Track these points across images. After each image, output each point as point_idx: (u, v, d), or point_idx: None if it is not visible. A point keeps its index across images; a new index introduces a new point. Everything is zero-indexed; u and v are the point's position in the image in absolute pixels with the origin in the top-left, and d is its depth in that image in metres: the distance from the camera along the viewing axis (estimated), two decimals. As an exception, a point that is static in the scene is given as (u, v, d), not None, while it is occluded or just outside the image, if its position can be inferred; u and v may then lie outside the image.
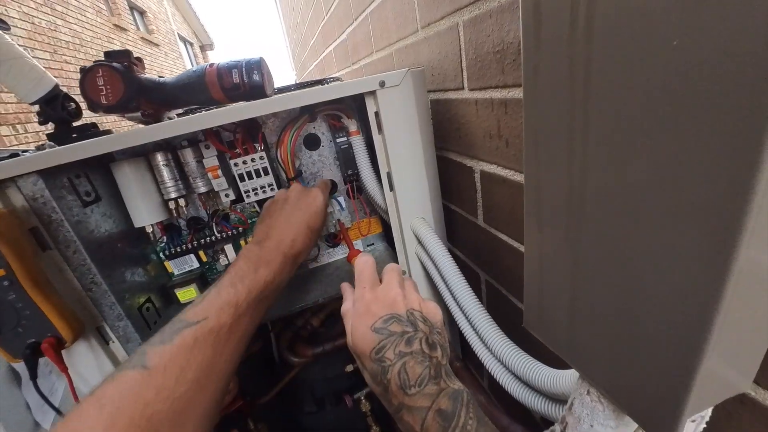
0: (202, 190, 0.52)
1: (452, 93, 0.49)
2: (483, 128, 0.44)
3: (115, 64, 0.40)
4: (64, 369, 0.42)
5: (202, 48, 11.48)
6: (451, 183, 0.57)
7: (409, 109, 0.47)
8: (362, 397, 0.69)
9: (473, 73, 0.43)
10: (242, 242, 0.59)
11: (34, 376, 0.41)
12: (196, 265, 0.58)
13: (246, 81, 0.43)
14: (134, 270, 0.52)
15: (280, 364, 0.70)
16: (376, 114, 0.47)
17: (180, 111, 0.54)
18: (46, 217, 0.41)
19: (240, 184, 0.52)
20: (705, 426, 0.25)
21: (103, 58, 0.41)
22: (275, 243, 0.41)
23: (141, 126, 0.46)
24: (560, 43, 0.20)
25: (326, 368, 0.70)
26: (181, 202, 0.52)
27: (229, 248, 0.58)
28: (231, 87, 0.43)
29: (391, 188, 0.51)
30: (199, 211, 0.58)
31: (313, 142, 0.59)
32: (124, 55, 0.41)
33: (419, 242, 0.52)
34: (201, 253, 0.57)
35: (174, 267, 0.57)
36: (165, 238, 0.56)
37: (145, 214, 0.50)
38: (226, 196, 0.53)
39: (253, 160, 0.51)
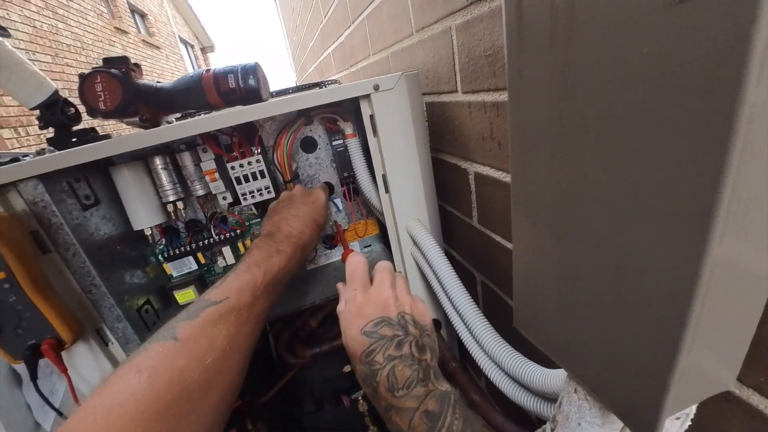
0: (200, 193, 0.53)
1: (446, 96, 0.50)
2: (476, 130, 0.44)
3: (113, 70, 0.41)
4: (64, 370, 0.42)
5: (203, 50, 11.52)
6: (446, 184, 0.57)
7: (404, 111, 0.47)
8: (360, 398, 0.69)
9: (466, 76, 0.43)
10: (240, 244, 0.59)
11: (34, 377, 0.41)
12: (194, 267, 0.58)
13: (242, 86, 0.44)
14: (133, 272, 0.52)
15: (279, 364, 0.71)
16: (371, 117, 0.47)
17: (178, 115, 0.55)
18: (46, 220, 0.41)
19: (237, 187, 0.52)
20: (690, 423, 0.25)
21: (101, 64, 0.41)
22: (285, 234, 0.43)
23: (139, 130, 0.46)
24: (542, 49, 0.20)
25: (324, 368, 0.71)
26: (180, 205, 0.52)
27: (227, 250, 0.59)
28: (227, 92, 0.44)
29: (387, 190, 0.51)
30: (198, 214, 0.58)
31: (309, 145, 0.59)
32: (122, 61, 0.42)
33: (415, 244, 0.53)
34: (199, 255, 0.58)
35: (173, 269, 0.58)
36: (164, 240, 0.56)
37: (144, 217, 0.51)
38: (224, 198, 0.54)
39: (249, 163, 0.51)
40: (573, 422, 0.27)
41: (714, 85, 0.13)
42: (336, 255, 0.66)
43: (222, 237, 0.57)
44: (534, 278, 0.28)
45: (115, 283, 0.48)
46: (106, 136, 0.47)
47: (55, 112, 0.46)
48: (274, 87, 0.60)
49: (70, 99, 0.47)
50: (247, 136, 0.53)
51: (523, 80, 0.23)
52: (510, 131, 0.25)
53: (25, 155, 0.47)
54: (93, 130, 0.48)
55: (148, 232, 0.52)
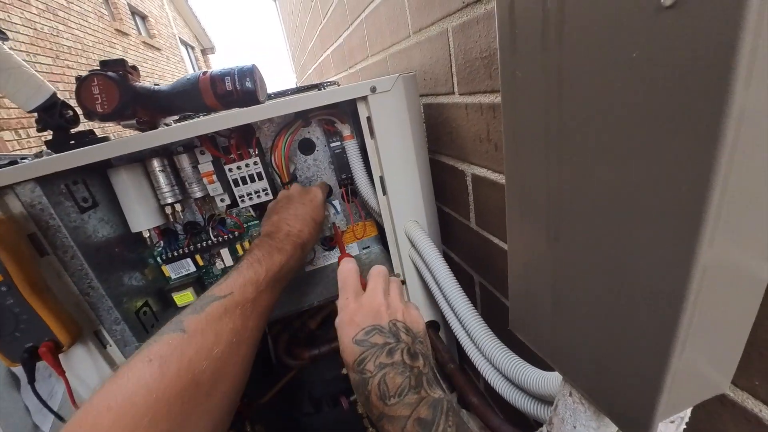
0: (198, 195, 0.53)
1: (443, 97, 0.50)
2: (473, 132, 0.44)
3: (110, 72, 0.41)
4: (62, 373, 0.42)
5: (204, 51, 11.54)
6: (444, 186, 0.57)
7: (401, 113, 0.47)
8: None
9: (463, 78, 0.43)
10: (238, 246, 0.59)
11: (32, 380, 0.41)
12: (192, 269, 0.59)
13: (239, 88, 0.44)
14: (131, 274, 0.52)
15: (278, 366, 0.71)
16: (368, 119, 0.47)
17: (176, 118, 0.55)
18: (43, 223, 0.41)
19: (235, 189, 0.52)
20: (685, 427, 0.25)
21: (98, 67, 0.42)
22: (285, 233, 0.44)
23: (137, 133, 0.46)
24: (534, 51, 0.20)
25: (323, 370, 0.71)
26: (178, 207, 0.52)
27: (225, 252, 0.59)
28: (224, 94, 0.44)
29: (384, 192, 0.51)
30: (196, 216, 0.58)
31: (307, 147, 0.59)
32: (119, 63, 0.42)
33: (413, 246, 0.53)
34: (198, 257, 0.58)
35: (171, 271, 0.58)
36: (162, 242, 0.56)
37: (142, 219, 0.51)
38: (222, 200, 0.54)
39: (247, 165, 0.51)
40: (568, 425, 0.27)
41: (703, 89, 0.13)
42: (334, 257, 0.66)
43: (220, 239, 0.57)
44: (529, 280, 0.28)
45: (113, 285, 0.48)
46: (105, 139, 0.47)
47: (53, 115, 0.46)
48: (274, 88, 0.60)
49: (69, 101, 0.48)
50: (244, 138, 0.53)
51: (517, 82, 0.23)
52: (504, 133, 0.25)
53: (24, 157, 0.47)
54: (91, 132, 0.48)
55: (146, 235, 0.52)
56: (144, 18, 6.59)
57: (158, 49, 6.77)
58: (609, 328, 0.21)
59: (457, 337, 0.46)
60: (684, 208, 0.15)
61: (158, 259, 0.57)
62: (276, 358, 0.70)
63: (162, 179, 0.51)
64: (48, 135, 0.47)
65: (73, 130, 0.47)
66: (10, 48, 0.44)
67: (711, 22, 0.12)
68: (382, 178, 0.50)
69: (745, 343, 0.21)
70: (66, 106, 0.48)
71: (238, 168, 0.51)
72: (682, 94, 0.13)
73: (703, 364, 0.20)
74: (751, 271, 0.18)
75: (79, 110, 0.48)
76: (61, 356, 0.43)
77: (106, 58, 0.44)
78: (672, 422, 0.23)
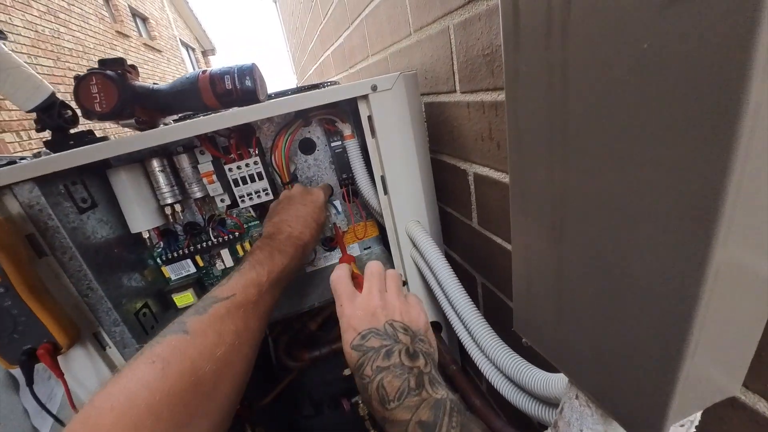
0: (198, 195, 0.53)
1: (445, 96, 0.49)
2: (475, 131, 0.44)
3: (108, 72, 0.40)
4: (60, 375, 0.42)
5: (204, 53, 11.57)
6: (446, 185, 0.57)
7: (402, 112, 0.47)
8: (360, 401, 0.68)
9: (464, 76, 0.43)
10: (238, 247, 0.59)
11: (30, 382, 0.41)
12: (192, 270, 0.58)
13: (238, 87, 0.43)
14: (131, 275, 0.52)
15: (278, 367, 0.70)
16: (369, 118, 0.47)
17: (175, 117, 0.55)
18: (42, 224, 0.41)
19: (235, 189, 0.52)
20: (695, 431, 0.24)
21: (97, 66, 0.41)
22: (286, 235, 0.44)
23: (136, 132, 0.46)
24: (538, 48, 0.20)
25: (324, 372, 0.70)
26: (177, 207, 0.52)
27: (225, 253, 0.58)
28: (224, 93, 0.44)
29: (386, 192, 0.51)
30: (196, 217, 0.58)
31: (308, 147, 0.59)
32: (118, 62, 0.42)
33: (414, 246, 0.52)
34: (198, 258, 0.58)
35: (171, 272, 0.58)
36: (162, 243, 0.56)
37: (142, 220, 0.50)
38: (222, 201, 0.54)
39: (247, 165, 0.51)
40: (574, 428, 0.26)
41: (718, 83, 0.12)
42: (335, 257, 0.66)
43: (220, 240, 0.57)
44: (533, 281, 0.27)
45: (112, 286, 0.47)
46: (104, 139, 0.47)
47: (51, 115, 0.46)
48: (274, 89, 0.60)
49: (70, 103, 0.47)
50: (244, 137, 0.52)
51: (520, 80, 0.22)
52: (508, 131, 0.25)
53: (23, 158, 0.47)
54: (90, 132, 0.48)
55: (146, 235, 0.52)
56: (145, 20, 6.61)
57: (159, 51, 6.79)
58: (617, 330, 0.20)
59: (460, 338, 0.45)
60: (698, 208, 0.14)
61: (158, 260, 0.57)
62: (276, 360, 0.70)
63: (162, 179, 0.50)
64: (48, 136, 0.46)
65: (72, 131, 0.47)
66: (11, 50, 0.44)
67: (729, 9, 0.11)
68: (383, 178, 0.50)
69: (756, 345, 0.20)
70: (65, 106, 0.47)
71: (238, 168, 0.51)
72: (697, 87, 0.13)
73: (714, 366, 0.19)
74: (763, 271, 0.18)
75: (78, 110, 0.47)
76: (59, 358, 0.43)
77: (103, 58, 0.44)
78: (682, 426, 0.23)
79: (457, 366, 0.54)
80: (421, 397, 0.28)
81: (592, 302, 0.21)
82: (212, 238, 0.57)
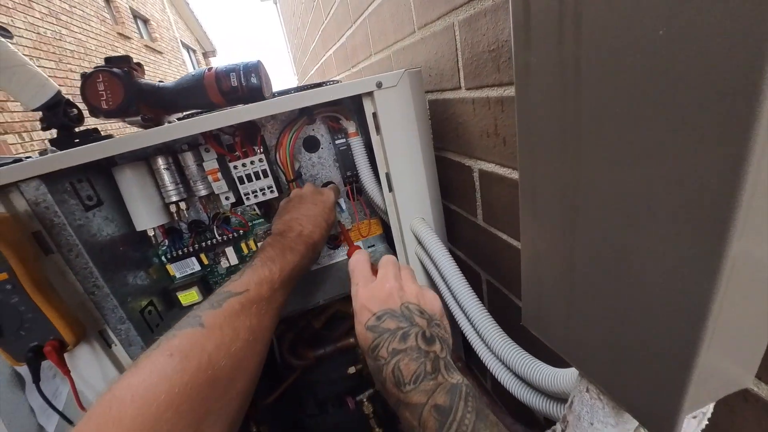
0: (203, 193, 0.53)
1: (449, 93, 0.49)
2: (480, 127, 0.44)
3: (115, 69, 0.40)
4: (67, 372, 0.42)
5: (205, 55, 11.60)
6: (450, 183, 0.57)
7: (407, 109, 0.47)
8: (365, 399, 0.68)
9: (469, 72, 0.43)
10: (243, 245, 0.59)
11: (36, 379, 0.41)
12: (197, 268, 0.58)
13: (244, 84, 0.43)
14: (136, 273, 0.52)
15: (282, 366, 0.70)
16: (374, 115, 0.47)
17: (180, 115, 0.55)
18: (48, 221, 0.41)
19: (240, 187, 0.52)
20: (707, 423, 0.24)
21: (103, 64, 0.41)
22: (296, 233, 0.44)
23: (142, 130, 0.46)
24: (550, 41, 0.20)
25: (328, 370, 0.70)
26: (182, 205, 0.52)
27: (230, 251, 0.58)
28: (229, 90, 0.44)
29: (390, 189, 0.51)
30: (200, 215, 0.58)
31: (312, 145, 0.59)
32: (124, 60, 0.42)
33: (419, 243, 0.52)
34: (202, 256, 0.58)
35: (176, 270, 0.58)
36: (166, 241, 0.56)
37: (147, 218, 0.50)
38: (227, 198, 0.54)
39: (252, 162, 0.51)
40: (585, 422, 0.26)
41: (736, 70, 0.12)
42: (339, 256, 0.66)
43: (225, 238, 0.57)
44: (543, 276, 0.27)
45: (117, 284, 0.47)
46: (109, 137, 0.47)
47: (57, 113, 0.46)
48: (276, 90, 0.60)
49: (72, 100, 0.47)
50: (249, 135, 0.52)
51: (531, 75, 0.22)
52: (518, 128, 0.25)
53: (28, 158, 0.47)
54: (95, 131, 0.48)
55: (150, 233, 0.52)
56: (146, 21, 6.63)
57: (160, 53, 6.80)
58: (630, 323, 0.20)
59: (465, 334, 0.45)
60: (715, 200, 0.14)
61: (163, 258, 0.57)
62: (280, 358, 0.70)
63: (167, 177, 0.50)
64: (53, 135, 0.47)
65: (77, 129, 0.47)
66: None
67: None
68: (388, 175, 0.50)
69: (770, 336, 0.20)
70: (70, 104, 0.47)
71: (243, 165, 0.51)
72: (714, 74, 0.13)
73: (728, 358, 0.19)
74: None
75: (83, 108, 0.47)
76: (65, 356, 0.43)
77: (109, 56, 0.44)
78: (694, 417, 0.23)
79: (461, 363, 0.54)
80: (437, 381, 0.28)
81: (604, 296, 0.21)
82: (217, 236, 0.57)
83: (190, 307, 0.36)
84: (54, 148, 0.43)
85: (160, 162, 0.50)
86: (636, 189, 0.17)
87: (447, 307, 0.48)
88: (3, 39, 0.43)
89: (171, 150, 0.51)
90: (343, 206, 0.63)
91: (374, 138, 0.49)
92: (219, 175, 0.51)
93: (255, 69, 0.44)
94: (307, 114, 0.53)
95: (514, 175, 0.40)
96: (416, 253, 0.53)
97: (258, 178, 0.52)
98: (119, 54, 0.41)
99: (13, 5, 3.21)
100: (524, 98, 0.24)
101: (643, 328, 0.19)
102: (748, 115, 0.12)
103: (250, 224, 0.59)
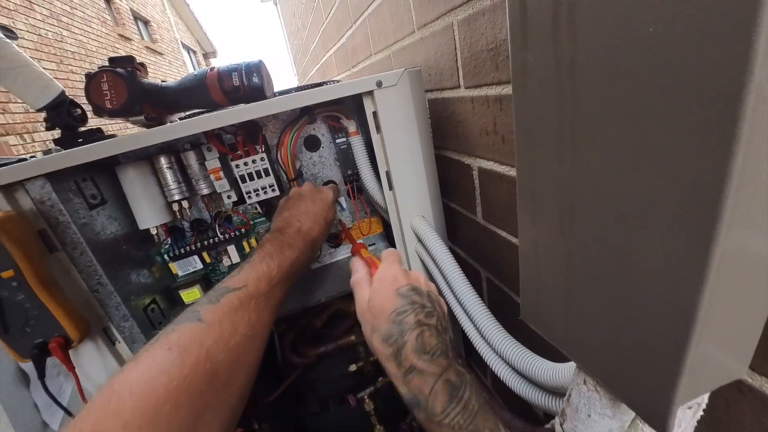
0: (205, 192, 0.53)
1: (449, 92, 0.50)
2: (479, 125, 0.44)
3: (118, 69, 0.41)
4: (72, 368, 0.42)
5: (205, 56, 11.63)
6: (450, 181, 0.57)
7: (407, 108, 0.47)
8: (366, 397, 0.69)
9: (468, 71, 0.43)
10: (245, 243, 0.60)
11: (42, 376, 0.41)
12: (199, 266, 0.59)
13: (246, 83, 0.44)
14: (139, 271, 0.52)
15: (283, 365, 0.71)
16: (374, 114, 0.47)
17: (182, 115, 0.55)
18: (53, 219, 0.42)
19: (242, 185, 0.52)
20: (703, 413, 0.25)
21: (107, 64, 0.42)
22: (295, 230, 0.44)
23: (145, 129, 0.47)
24: (546, 41, 0.20)
25: (329, 368, 0.71)
26: (185, 204, 0.53)
27: (232, 249, 0.59)
28: (231, 90, 0.44)
29: (390, 187, 0.51)
30: (202, 213, 0.58)
31: (313, 144, 0.59)
32: (128, 60, 0.43)
33: (419, 240, 0.53)
34: (204, 254, 0.58)
35: (178, 268, 0.58)
36: (169, 240, 0.57)
37: (150, 216, 0.51)
38: (228, 197, 0.54)
39: (254, 161, 0.52)
40: (583, 414, 0.27)
41: (722, 65, 0.13)
42: (340, 254, 0.66)
43: (227, 236, 0.57)
44: (540, 271, 0.28)
45: (121, 282, 0.48)
46: (112, 136, 0.48)
47: (61, 113, 0.46)
48: (276, 90, 0.60)
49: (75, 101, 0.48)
50: (251, 134, 0.53)
51: (528, 73, 0.23)
52: (515, 126, 0.25)
53: (32, 156, 0.47)
54: (99, 130, 0.48)
55: (153, 232, 0.52)
56: (146, 23, 6.65)
57: (161, 54, 6.82)
58: (624, 316, 0.21)
59: (465, 330, 0.45)
60: (702, 197, 0.15)
61: (165, 256, 0.57)
62: (282, 357, 0.70)
63: (169, 176, 0.51)
64: (56, 134, 0.47)
65: (81, 129, 0.48)
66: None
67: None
68: (388, 173, 0.50)
69: (762, 328, 0.21)
70: (74, 104, 0.48)
71: (245, 164, 0.51)
72: (701, 69, 0.13)
73: (721, 349, 0.19)
74: (766, 256, 0.18)
75: (87, 108, 0.48)
76: (70, 353, 0.43)
77: (113, 56, 0.44)
78: (689, 408, 0.23)
79: (462, 360, 0.54)
80: (449, 361, 0.31)
81: (600, 290, 0.22)
82: (219, 234, 0.57)
83: (199, 298, 0.36)
84: (58, 147, 0.44)
85: (163, 161, 0.50)
86: (629, 186, 0.18)
87: (447, 304, 0.49)
88: (8, 40, 0.44)
89: (173, 149, 0.52)
90: (344, 205, 0.63)
91: (374, 137, 0.49)
92: (221, 173, 0.52)
93: (257, 68, 0.44)
94: (308, 113, 0.54)
95: (513, 172, 0.40)
96: (416, 251, 0.54)
97: (260, 176, 0.52)
98: (122, 54, 0.42)
99: (14, 7, 3.22)
100: (521, 97, 0.24)
101: (638, 320, 0.20)
102: (733, 111, 0.13)
103: (251, 223, 0.60)
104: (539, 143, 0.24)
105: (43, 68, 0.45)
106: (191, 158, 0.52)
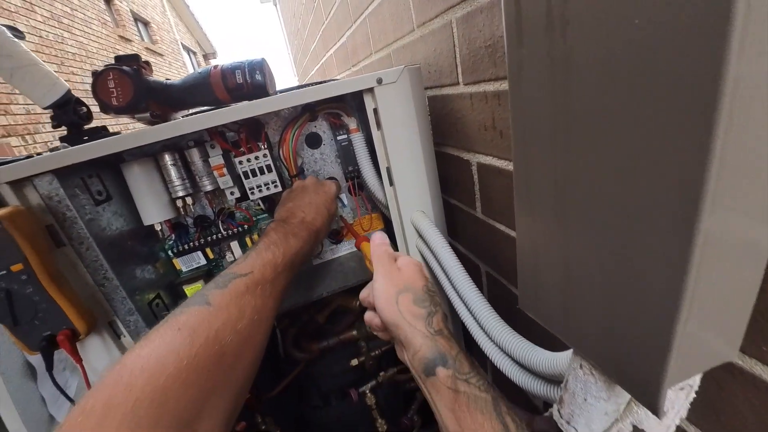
0: (209, 188, 0.54)
1: (448, 88, 0.50)
2: (478, 121, 0.45)
3: (125, 67, 0.42)
4: (79, 360, 0.43)
5: (205, 57, 11.65)
6: (449, 177, 0.58)
7: (407, 105, 0.48)
8: (367, 391, 0.70)
9: (467, 68, 0.44)
10: (248, 239, 0.60)
11: (50, 368, 0.42)
12: (203, 262, 0.59)
13: (249, 81, 0.45)
14: (144, 267, 0.53)
15: (285, 360, 0.71)
16: (375, 111, 0.48)
17: (186, 113, 0.56)
18: (60, 214, 0.42)
19: (245, 182, 0.53)
20: (695, 396, 0.26)
21: (113, 62, 0.43)
22: (299, 220, 0.45)
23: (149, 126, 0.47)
24: (540, 38, 0.21)
25: (331, 363, 0.71)
26: (189, 200, 0.53)
27: (234, 245, 0.59)
28: (235, 87, 0.45)
29: (391, 183, 0.52)
30: (206, 210, 0.59)
31: (314, 141, 0.60)
32: (133, 59, 0.43)
33: (419, 235, 0.53)
34: (208, 250, 0.59)
35: (182, 264, 0.59)
36: (173, 236, 0.57)
37: (154, 212, 0.52)
38: (231, 194, 0.55)
39: (257, 158, 0.52)
40: (579, 398, 0.27)
41: (700, 56, 0.13)
42: (342, 249, 0.67)
43: (230, 232, 0.58)
44: (537, 260, 0.28)
45: (126, 277, 0.49)
46: (116, 134, 0.48)
47: (67, 111, 0.47)
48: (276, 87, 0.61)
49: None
50: (253, 132, 0.54)
51: (523, 71, 0.24)
52: (512, 122, 0.26)
53: (39, 154, 0.48)
54: (104, 128, 0.49)
55: (158, 228, 0.53)
56: (146, 24, 6.66)
57: (161, 55, 6.83)
58: (618, 300, 0.21)
59: (465, 323, 0.46)
60: (684, 179, 0.15)
61: (169, 252, 0.58)
62: (284, 352, 0.71)
63: (173, 173, 0.52)
64: (61, 132, 0.48)
65: (86, 126, 0.49)
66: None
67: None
68: (388, 169, 0.51)
69: (751, 311, 0.21)
70: (79, 102, 0.49)
71: (248, 161, 0.52)
72: (682, 62, 0.14)
73: (709, 331, 0.20)
74: (753, 239, 0.19)
75: (93, 108, 0.49)
76: (77, 346, 0.44)
77: (119, 54, 0.45)
78: (681, 389, 0.24)
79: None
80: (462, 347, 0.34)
81: (595, 276, 0.23)
82: (222, 230, 0.58)
83: (207, 283, 0.37)
84: (65, 144, 0.45)
85: (167, 158, 0.51)
86: (618, 175, 0.19)
87: (447, 297, 0.50)
88: (16, 39, 0.45)
89: (177, 146, 0.53)
90: (345, 201, 0.64)
91: (375, 133, 0.50)
92: (224, 170, 0.53)
93: (260, 66, 0.45)
94: (309, 111, 0.55)
95: (511, 166, 0.41)
96: (417, 246, 0.55)
97: (262, 173, 0.53)
98: (128, 53, 0.43)
99: (15, 9, 3.24)
100: (517, 93, 0.25)
101: (630, 303, 0.21)
102: (713, 100, 0.13)
103: (254, 219, 0.60)
104: (535, 137, 0.24)
105: (46, 69, 0.46)
106: (195, 155, 0.52)
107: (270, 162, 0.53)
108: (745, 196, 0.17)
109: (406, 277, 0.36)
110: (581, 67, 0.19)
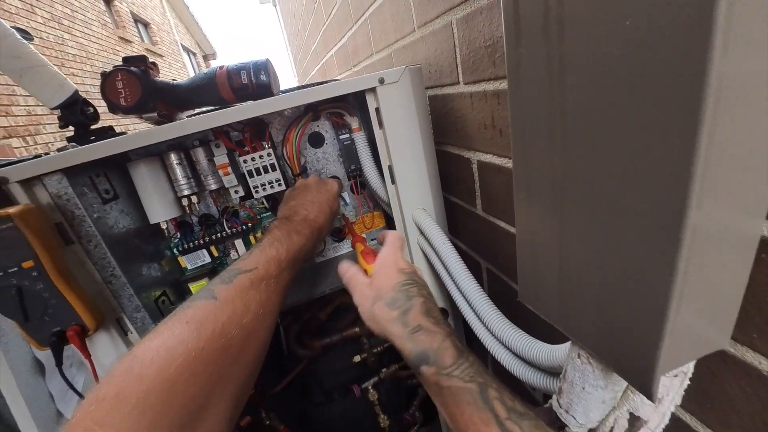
0: (213, 187, 0.55)
1: (448, 88, 0.51)
2: (478, 120, 0.46)
3: (132, 68, 0.43)
4: (88, 356, 0.44)
5: (205, 57, 11.66)
6: (450, 176, 0.59)
7: (408, 104, 0.49)
8: (370, 387, 0.70)
9: (467, 68, 0.45)
10: (252, 237, 0.61)
11: (59, 363, 0.43)
12: (207, 260, 0.60)
13: (254, 81, 0.46)
14: (150, 265, 0.54)
15: (288, 357, 0.72)
16: (377, 110, 0.49)
17: (191, 113, 0.57)
18: (69, 213, 0.43)
19: (249, 180, 0.54)
20: (690, 383, 0.26)
21: (120, 63, 0.44)
22: (302, 217, 0.46)
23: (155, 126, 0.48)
24: (537, 39, 0.22)
25: (334, 360, 0.72)
26: (194, 199, 0.54)
27: (239, 243, 0.60)
28: (240, 87, 0.46)
29: (393, 181, 0.53)
30: (210, 209, 0.60)
31: (317, 140, 0.61)
32: (141, 60, 0.44)
33: (421, 233, 0.54)
34: (212, 248, 0.60)
35: (187, 262, 0.60)
36: (178, 234, 0.58)
37: (160, 211, 0.53)
38: (236, 192, 0.56)
39: (261, 157, 0.53)
40: (577, 387, 0.28)
41: (686, 54, 0.14)
42: (344, 248, 0.68)
43: (234, 230, 0.59)
44: (536, 254, 0.29)
45: (133, 274, 0.50)
46: (122, 134, 0.49)
47: (74, 111, 0.48)
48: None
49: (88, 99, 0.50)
50: (257, 131, 0.55)
51: (522, 70, 0.24)
52: (511, 120, 0.27)
53: (46, 153, 0.49)
54: (111, 128, 0.50)
55: (163, 226, 0.54)
56: (146, 25, 6.67)
57: (161, 56, 6.84)
58: (612, 290, 0.22)
59: (466, 318, 0.47)
60: (672, 173, 0.16)
61: (175, 250, 0.59)
62: (287, 350, 0.72)
63: (179, 172, 0.52)
64: (68, 132, 0.49)
65: (93, 127, 0.49)
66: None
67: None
68: (390, 168, 0.52)
69: (743, 300, 0.22)
70: (87, 103, 0.50)
71: (252, 160, 0.53)
72: (670, 60, 0.15)
73: (701, 319, 0.21)
74: (740, 229, 0.20)
75: (100, 108, 0.50)
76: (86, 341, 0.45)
77: (127, 56, 0.46)
78: (675, 376, 0.25)
79: (463, 348, 0.56)
80: (452, 330, 0.34)
81: (591, 268, 0.23)
82: (226, 228, 0.59)
83: (212, 278, 0.38)
84: (74, 144, 0.45)
85: (173, 157, 0.52)
86: (613, 170, 0.19)
87: (449, 293, 0.50)
88: (24, 41, 0.45)
89: (183, 146, 0.54)
90: (347, 200, 0.65)
91: (377, 132, 0.51)
92: (229, 169, 0.53)
93: (264, 67, 0.46)
94: (312, 110, 0.56)
95: (510, 164, 0.42)
96: (418, 243, 0.56)
97: (266, 171, 0.54)
98: (117, 62, 0.43)
99: (16, 10, 3.25)
100: (516, 92, 0.26)
101: (624, 294, 0.21)
102: (697, 95, 0.14)
103: (258, 217, 0.61)
104: (533, 135, 0.25)
105: (48, 71, 0.47)
106: (200, 155, 0.53)
107: (274, 161, 0.54)
108: (732, 191, 0.18)
109: (376, 286, 0.38)
110: (576, 66, 0.20)
